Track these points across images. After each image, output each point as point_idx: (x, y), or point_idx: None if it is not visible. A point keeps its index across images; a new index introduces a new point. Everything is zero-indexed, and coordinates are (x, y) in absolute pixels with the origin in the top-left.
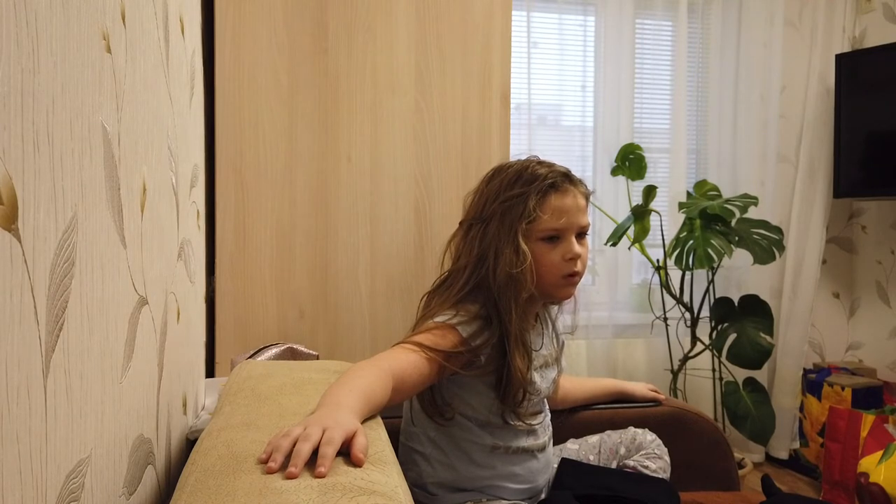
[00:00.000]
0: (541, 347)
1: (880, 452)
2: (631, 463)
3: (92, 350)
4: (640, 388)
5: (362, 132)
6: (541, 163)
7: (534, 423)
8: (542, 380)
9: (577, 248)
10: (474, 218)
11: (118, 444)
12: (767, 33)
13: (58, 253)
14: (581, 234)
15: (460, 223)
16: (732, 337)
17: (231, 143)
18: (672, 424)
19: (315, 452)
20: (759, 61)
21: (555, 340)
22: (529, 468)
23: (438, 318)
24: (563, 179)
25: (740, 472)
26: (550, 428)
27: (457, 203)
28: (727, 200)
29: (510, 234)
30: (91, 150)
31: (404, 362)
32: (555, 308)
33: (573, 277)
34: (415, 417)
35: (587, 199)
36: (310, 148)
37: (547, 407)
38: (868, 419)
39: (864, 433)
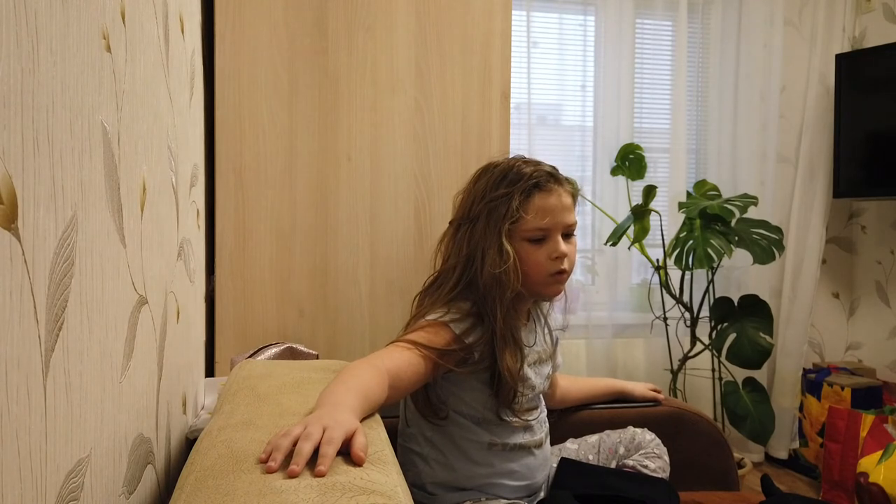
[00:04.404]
0: (534, 344)
1: (880, 452)
2: (630, 462)
3: (91, 349)
4: (639, 387)
5: (362, 131)
6: (526, 161)
7: (529, 419)
8: (535, 375)
9: (562, 247)
10: (462, 218)
11: (118, 443)
12: (767, 33)
13: (57, 252)
14: (568, 233)
15: (450, 223)
16: (732, 337)
17: (231, 143)
18: (672, 424)
19: (315, 452)
20: (759, 61)
21: (548, 337)
22: (527, 465)
23: (431, 316)
24: (548, 179)
25: (740, 472)
26: (547, 424)
27: None
28: (727, 200)
29: (495, 235)
30: (91, 150)
31: (399, 360)
32: (546, 304)
33: (560, 275)
34: (410, 419)
35: (574, 197)
36: (310, 147)
37: (543, 403)
38: (867, 419)
39: (863, 433)
